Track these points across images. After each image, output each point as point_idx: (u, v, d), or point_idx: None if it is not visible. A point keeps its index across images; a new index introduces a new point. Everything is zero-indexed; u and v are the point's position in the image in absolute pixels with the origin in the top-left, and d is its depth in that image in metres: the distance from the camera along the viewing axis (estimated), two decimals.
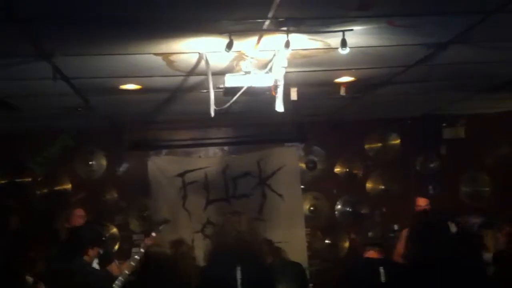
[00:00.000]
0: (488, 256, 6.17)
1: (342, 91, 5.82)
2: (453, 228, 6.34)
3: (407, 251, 5.02)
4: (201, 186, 8.35)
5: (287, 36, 3.84)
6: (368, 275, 5.17)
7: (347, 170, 8.77)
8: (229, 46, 3.88)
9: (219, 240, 4.83)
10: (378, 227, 7.68)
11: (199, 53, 4.44)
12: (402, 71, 5.38)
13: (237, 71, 4.70)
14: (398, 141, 8.79)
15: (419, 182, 8.68)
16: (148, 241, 6.64)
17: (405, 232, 6.41)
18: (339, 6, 3.52)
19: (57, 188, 8.30)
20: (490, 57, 5.04)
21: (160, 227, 7.00)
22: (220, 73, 4.75)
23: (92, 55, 4.39)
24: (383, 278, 5.06)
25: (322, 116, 7.92)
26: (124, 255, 7.54)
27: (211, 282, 4.69)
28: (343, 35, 3.88)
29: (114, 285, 6.27)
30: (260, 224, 7.75)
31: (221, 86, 4.74)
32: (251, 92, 4.61)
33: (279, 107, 4.52)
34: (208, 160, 8.56)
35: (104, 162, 8.41)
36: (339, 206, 8.76)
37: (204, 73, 4.69)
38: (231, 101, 4.95)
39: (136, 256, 6.56)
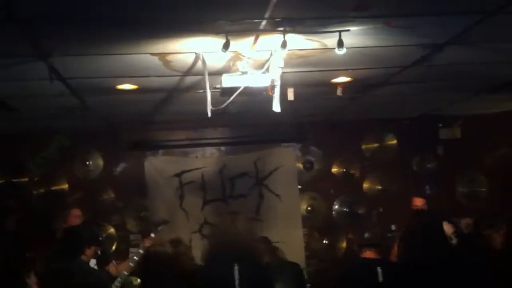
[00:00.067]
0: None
1: (339, 92, 5.82)
2: (449, 229, 6.36)
3: (399, 251, 5.02)
4: (198, 186, 8.34)
5: (284, 36, 3.85)
6: (365, 275, 5.17)
7: (344, 170, 8.77)
8: (226, 46, 3.88)
9: (216, 240, 4.83)
10: (375, 227, 7.69)
11: (195, 53, 4.44)
12: (399, 71, 5.39)
13: (234, 71, 4.70)
14: (395, 142, 8.79)
15: (416, 182, 8.69)
16: (147, 242, 6.64)
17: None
18: (335, 7, 3.52)
19: (54, 188, 8.28)
20: (487, 58, 5.05)
21: (159, 228, 7.01)
22: (217, 73, 4.75)
23: (88, 55, 4.39)
24: (380, 278, 5.05)
25: (319, 116, 7.93)
26: (122, 255, 7.55)
27: (209, 282, 4.69)
28: (340, 35, 3.88)
29: (113, 286, 6.28)
30: (257, 224, 7.75)
31: (218, 86, 4.74)
32: (248, 92, 4.61)
33: (276, 107, 4.52)
34: (205, 160, 8.55)
35: (101, 162, 8.40)
36: (336, 206, 8.76)
37: (201, 73, 4.69)
38: (228, 101, 4.94)
39: (134, 257, 6.57)
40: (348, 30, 3.90)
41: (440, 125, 8.58)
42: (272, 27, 3.78)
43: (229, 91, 4.68)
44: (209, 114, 4.64)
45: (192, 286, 4.92)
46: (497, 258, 5.66)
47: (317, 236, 8.67)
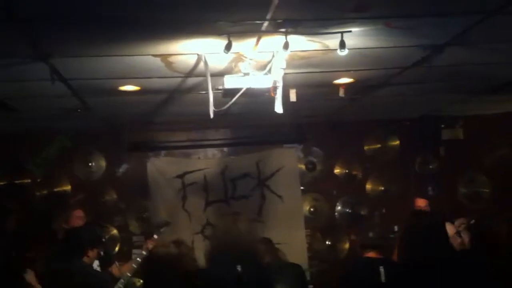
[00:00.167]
0: None
1: (341, 93, 5.83)
2: (451, 230, 6.36)
3: (399, 251, 5.02)
4: (200, 188, 8.35)
5: (286, 37, 3.86)
6: (368, 275, 5.18)
7: (347, 171, 8.78)
8: (228, 47, 3.89)
9: (218, 241, 4.84)
10: (378, 228, 7.70)
11: (197, 54, 4.45)
12: (399, 72, 5.39)
13: (236, 73, 4.71)
14: (397, 142, 8.80)
15: (418, 183, 8.69)
16: (149, 244, 6.65)
17: None
18: (337, 8, 3.53)
19: (56, 189, 8.30)
20: (488, 59, 5.05)
21: (161, 229, 7.02)
22: (219, 75, 4.76)
23: (90, 56, 4.40)
24: (383, 278, 5.06)
25: (321, 117, 7.94)
26: (124, 256, 7.57)
27: (211, 283, 4.69)
28: (342, 36, 3.89)
29: (115, 287, 6.29)
30: (259, 225, 7.76)
31: (220, 87, 4.75)
32: (250, 93, 4.62)
33: (278, 108, 4.53)
34: (207, 161, 8.56)
35: (103, 163, 8.41)
36: (338, 207, 8.76)
37: (203, 75, 4.70)
38: (230, 103, 4.96)
39: (137, 258, 6.58)
40: (350, 31, 3.90)
41: (442, 126, 8.59)
42: (274, 28, 3.79)
43: (231, 92, 4.69)
44: (211, 115, 4.64)
45: (194, 287, 4.93)
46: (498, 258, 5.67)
47: (320, 237, 8.67)
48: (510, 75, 5.81)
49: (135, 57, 4.44)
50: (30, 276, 5.71)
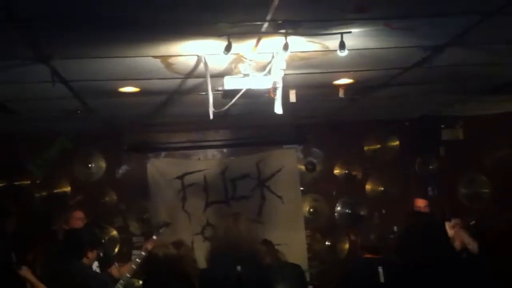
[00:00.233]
0: None
1: (341, 93, 5.83)
2: (451, 230, 6.36)
3: (398, 251, 5.04)
4: (200, 188, 8.35)
5: (286, 38, 3.85)
6: (367, 275, 5.18)
7: (346, 171, 8.78)
8: (228, 48, 3.89)
9: (218, 242, 4.84)
10: (378, 228, 7.70)
11: (197, 55, 4.45)
12: (400, 73, 5.40)
13: (236, 74, 4.70)
14: (397, 143, 8.80)
15: (418, 183, 8.69)
16: (149, 245, 6.65)
17: None
18: (337, 9, 3.53)
19: (56, 190, 8.30)
20: (488, 59, 5.05)
21: (161, 230, 7.02)
22: (218, 76, 4.76)
23: (90, 58, 4.40)
24: (382, 278, 5.07)
25: (321, 118, 7.94)
26: (124, 257, 7.56)
27: (211, 283, 4.70)
28: (342, 37, 3.89)
29: None
30: (259, 226, 7.76)
31: (220, 88, 4.75)
32: (250, 94, 4.62)
33: (278, 109, 4.53)
34: (207, 162, 8.57)
35: (103, 164, 8.41)
36: (338, 208, 8.76)
37: (203, 76, 4.70)
38: (230, 104, 4.96)
39: (137, 259, 6.58)
40: (350, 32, 3.90)
41: (442, 126, 8.59)
42: (274, 29, 3.79)
43: (231, 93, 4.69)
44: (211, 116, 4.64)
45: None
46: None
47: (320, 237, 8.67)
48: (510, 75, 5.81)
49: (135, 58, 4.44)
50: (25, 271, 5.73)
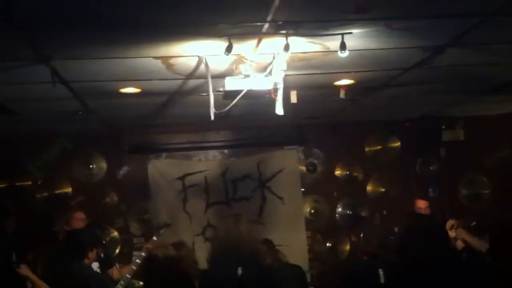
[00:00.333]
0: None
1: (342, 94, 5.83)
2: (452, 233, 6.36)
3: (397, 251, 5.03)
4: (201, 189, 8.36)
5: (286, 39, 3.86)
6: (368, 276, 5.18)
7: (347, 172, 8.78)
8: (229, 49, 3.89)
9: (219, 243, 4.84)
10: (379, 230, 7.70)
11: (198, 56, 4.45)
12: (400, 73, 5.40)
13: (237, 74, 4.70)
14: (397, 144, 8.80)
15: (418, 184, 8.69)
16: (149, 245, 6.65)
17: None
18: (337, 9, 3.53)
19: (57, 191, 8.31)
20: (488, 60, 5.05)
21: (161, 231, 7.02)
22: (219, 76, 4.76)
23: (91, 59, 4.40)
24: (382, 280, 5.06)
25: (321, 118, 7.94)
26: (125, 258, 7.57)
27: (212, 284, 4.70)
28: (342, 38, 3.89)
29: None
30: (260, 227, 7.76)
31: (221, 89, 4.75)
32: (250, 95, 4.62)
33: (279, 110, 4.53)
34: (208, 163, 8.57)
35: (104, 165, 8.42)
36: (339, 209, 8.77)
37: (204, 76, 4.70)
38: (231, 104, 4.96)
39: (137, 260, 6.58)
40: (351, 33, 3.90)
41: (443, 127, 8.59)
42: (275, 30, 3.79)
43: (232, 94, 4.69)
44: (212, 117, 4.64)
45: None
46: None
47: (320, 238, 8.68)
48: (511, 75, 5.81)
49: (136, 59, 4.44)
50: (24, 270, 5.73)
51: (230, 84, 4.59)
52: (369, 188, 8.80)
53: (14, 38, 3.77)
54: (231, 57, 4.37)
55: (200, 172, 8.38)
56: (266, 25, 3.71)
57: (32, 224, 7.78)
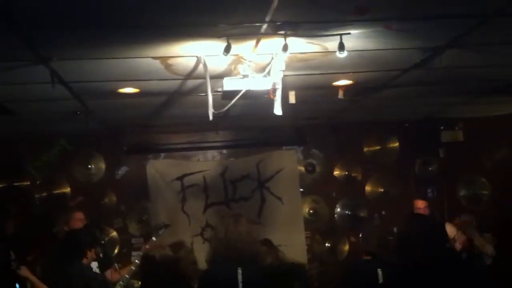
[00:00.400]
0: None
1: (340, 95, 5.83)
2: (451, 232, 6.36)
3: (396, 251, 5.03)
4: (200, 190, 8.36)
5: (285, 39, 3.85)
6: (367, 276, 5.18)
7: (346, 173, 8.78)
8: (227, 49, 3.89)
9: (218, 243, 4.84)
10: (377, 230, 7.69)
11: (197, 56, 4.45)
12: (399, 74, 5.40)
13: (235, 75, 4.70)
14: (396, 144, 8.80)
15: (417, 185, 8.70)
16: (148, 246, 6.65)
17: None
18: (336, 10, 3.53)
19: (56, 191, 8.31)
20: (487, 61, 5.05)
21: (160, 232, 7.02)
22: (218, 77, 4.76)
23: (90, 59, 4.40)
24: (381, 280, 5.07)
25: (320, 119, 7.94)
26: (124, 258, 7.57)
27: (211, 285, 4.69)
28: (341, 38, 3.89)
29: None
30: (259, 227, 7.75)
31: (219, 89, 4.75)
32: (249, 95, 4.62)
33: (278, 110, 4.53)
34: (207, 163, 8.57)
35: (103, 165, 8.42)
36: (338, 209, 8.77)
37: (202, 77, 4.70)
38: (230, 105, 4.96)
39: (136, 260, 6.58)
40: (349, 34, 3.91)
41: (442, 127, 8.59)
42: (273, 31, 3.79)
43: (231, 94, 4.69)
44: (211, 117, 4.64)
45: None
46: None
47: (320, 239, 8.68)
48: (510, 77, 5.81)
49: (135, 59, 4.44)
50: (24, 271, 5.73)
51: (228, 84, 4.59)
52: (368, 188, 8.80)
53: (14, 39, 3.78)
54: (230, 58, 4.36)
55: (199, 172, 8.38)
56: (265, 26, 3.71)
57: (32, 225, 7.77)
